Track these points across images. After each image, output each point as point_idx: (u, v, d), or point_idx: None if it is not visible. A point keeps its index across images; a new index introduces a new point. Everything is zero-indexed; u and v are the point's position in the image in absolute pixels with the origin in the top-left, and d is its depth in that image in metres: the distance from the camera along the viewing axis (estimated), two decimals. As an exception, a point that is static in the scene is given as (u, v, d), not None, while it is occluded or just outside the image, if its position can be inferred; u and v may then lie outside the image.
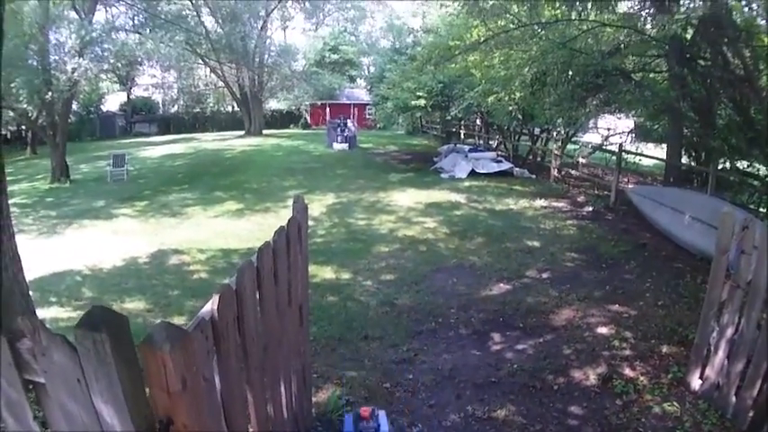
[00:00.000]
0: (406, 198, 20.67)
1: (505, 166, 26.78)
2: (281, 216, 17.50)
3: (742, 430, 6.42)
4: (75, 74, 25.90)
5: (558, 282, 11.68)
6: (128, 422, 2.40)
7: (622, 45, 18.38)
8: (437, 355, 8.40)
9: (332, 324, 9.44)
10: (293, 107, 68.70)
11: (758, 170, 16.97)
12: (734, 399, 6.63)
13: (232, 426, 3.43)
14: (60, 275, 12.61)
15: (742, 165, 17.55)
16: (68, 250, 14.80)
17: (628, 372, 7.88)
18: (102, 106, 60.91)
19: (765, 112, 13.54)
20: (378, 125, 52.98)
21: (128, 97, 65.71)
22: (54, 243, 15.86)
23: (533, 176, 26.09)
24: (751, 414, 6.34)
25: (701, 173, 18.75)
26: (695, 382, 7.33)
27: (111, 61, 31.37)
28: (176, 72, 63.51)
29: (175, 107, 71.34)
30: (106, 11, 37.88)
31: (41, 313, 9.40)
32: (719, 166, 17.06)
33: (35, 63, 26.53)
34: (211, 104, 70.25)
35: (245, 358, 3.70)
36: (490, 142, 35.67)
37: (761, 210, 15.93)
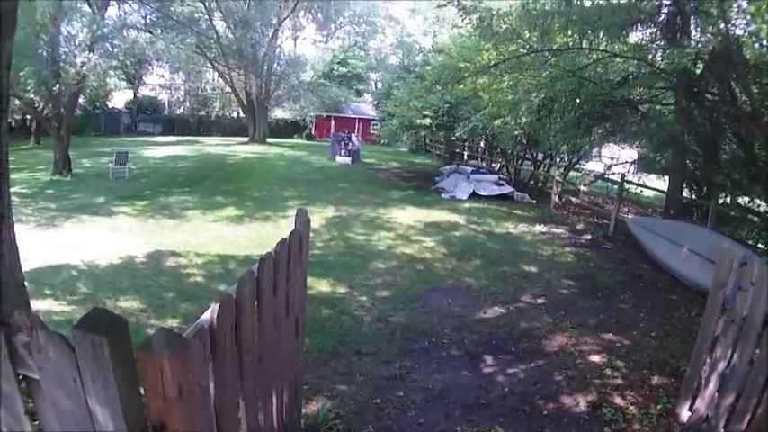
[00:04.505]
0: (406, 216, 20.66)
1: (507, 189, 26.82)
2: (279, 226, 17.62)
3: None
4: (84, 68, 25.91)
5: (553, 308, 11.67)
6: (122, 425, 2.41)
7: (631, 76, 18.43)
8: (428, 375, 8.38)
9: (325, 337, 9.41)
10: (298, 117, 68.87)
11: (759, 206, 17.00)
12: None
13: None
14: (56, 268, 12.58)
15: (743, 200, 17.59)
16: (66, 244, 14.77)
17: (618, 400, 7.88)
18: (108, 103, 60.96)
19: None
20: (382, 141, 52.94)
21: (134, 95, 65.93)
22: (52, 236, 15.82)
23: (534, 201, 26.13)
24: None
25: (701, 206, 18.78)
26: (684, 414, 7.37)
27: (121, 58, 31.43)
28: (184, 74, 63.89)
29: (181, 109, 71.65)
30: (119, 7, 37.97)
31: (36, 305, 9.37)
32: (720, 201, 17.08)
33: (45, 54, 26.49)
34: (217, 109, 70.52)
35: (240, 367, 3.71)
36: (493, 165, 35.76)
37: (759, 246, 15.98)
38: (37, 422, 2.79)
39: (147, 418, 2.57)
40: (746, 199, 17.61)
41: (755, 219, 16.79)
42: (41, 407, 2.64)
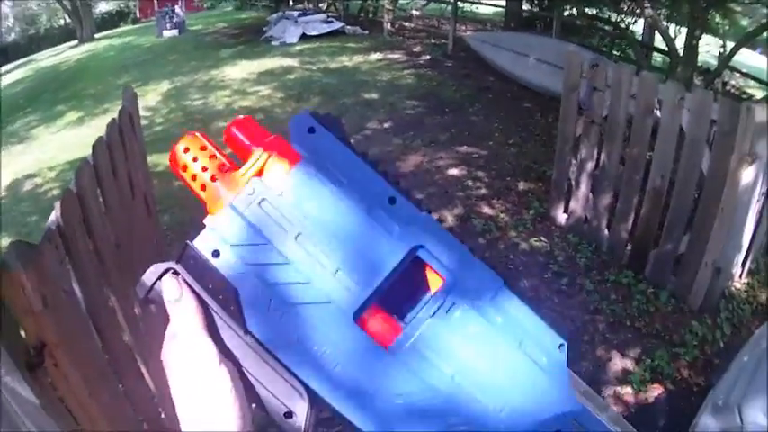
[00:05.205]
0: (239, 71, 20.25)
1: (336, 25, 26.44)
2: (120, 114, 16.89)
3: (622, 264, 6.65)
4: None
5: (401, 130, 11.74)
6: (8, 359, 2.27)
7: None
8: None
9: (183, 209, 9.21)
10: (122, 5, 67.01)
11: (608, 16, 17.11)
12: (606, 232, 6.90)
13: (103, 333, 3.32)
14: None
15: (590, 11, 17.68)
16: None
17: (486, 210, 8.07)
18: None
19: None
20: (206, 5, 52.00)
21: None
22: None
23: (366, 33, 25.89)
24: (629, 248, 6.64)
25: (544, 18, 18.87)
26: (560, 216, 7.59)
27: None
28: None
29: (12, 35, 68.82)
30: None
31: None
32: (566, 13, 17.10)
33: None
34: (44, 22, 67.99)
35: (99, 259, 3.57)
36: (320, 5, 35.26)
37: (613, 53, 16.18)
38: None
39: (27, 344, 2.44)
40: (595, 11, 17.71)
41: (606, 27, 16.92)
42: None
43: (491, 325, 0.89)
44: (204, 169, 1.05)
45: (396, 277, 0.91)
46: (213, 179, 1.02)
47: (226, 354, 0.87)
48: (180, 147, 1.01)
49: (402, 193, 0.95)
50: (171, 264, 0.93)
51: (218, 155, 1.00)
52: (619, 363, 5.48)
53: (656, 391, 5.29)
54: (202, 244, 0.92)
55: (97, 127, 16.27)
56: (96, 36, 48.06)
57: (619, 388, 5.28)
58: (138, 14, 63.31)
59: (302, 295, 0.89)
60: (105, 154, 4.10)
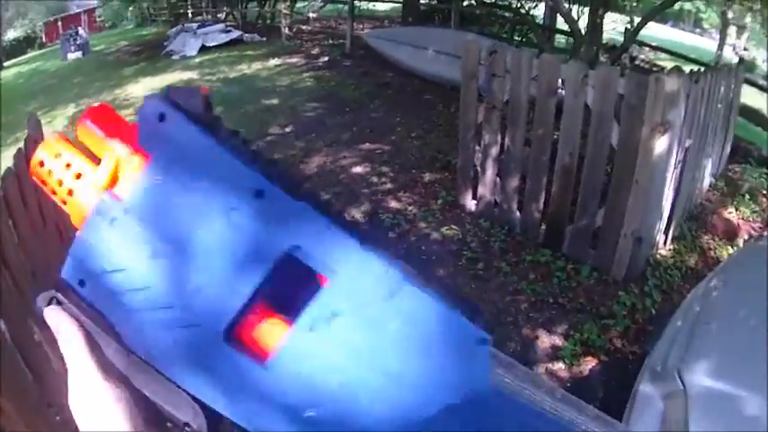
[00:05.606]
0: (141, 88, 20.04)
1: (235, 34, 26.45)
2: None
3: (538, 243, 6.70)
4: None
5: (303, 132, 11.73)
6: None
7: None
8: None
9: None
10: (29, 31, 66.30)
11: (509, 3, 17.27)
12: (518, 214, 6.94)
13: (31, 364, 3.36)
14: None
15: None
16: None
17: (394, 204, 8.08)
18: None
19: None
20: (107, 25, 51.58)
21: None
22: None
23: (264, 39, 25.95)
24: (543, 227, 6.71)
25: (442, 10, 18.95)
26: (470, 204, 7.63)
27: None
28: None
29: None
30: None
31: None
32: (465, 3, 17.20)
33: None
34: None
35: (19, 292, 3.56)
36: (218, 15, 35.18)
37: (515, 38, 16.38)
38: None
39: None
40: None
41: (506, 14, 17.08)
42: None
43: (382, 333, 0.68)
44: (60, 183, 0.80)
45: (278, 279, 0.71)
46: (70, 193, 0.79)
47: (113, 372, 0.69)
48: (35, 161, 0.77)
49: (278, 180, 0.70)
50: (53, 292, 0.73)
51: (75, 161, 0.76)
52: (547, 340, 5.47)
53: (589, 363, 5.30)
54: (68, 273, 0.71)
55: (10, 158, 16.35)
56: (5, 64, 47.81)
57: (550, 364, 5.27)
58: (44, 39, 62.73)
59: (169, 321, 0.71)
60: (16, 185, 4.09)
